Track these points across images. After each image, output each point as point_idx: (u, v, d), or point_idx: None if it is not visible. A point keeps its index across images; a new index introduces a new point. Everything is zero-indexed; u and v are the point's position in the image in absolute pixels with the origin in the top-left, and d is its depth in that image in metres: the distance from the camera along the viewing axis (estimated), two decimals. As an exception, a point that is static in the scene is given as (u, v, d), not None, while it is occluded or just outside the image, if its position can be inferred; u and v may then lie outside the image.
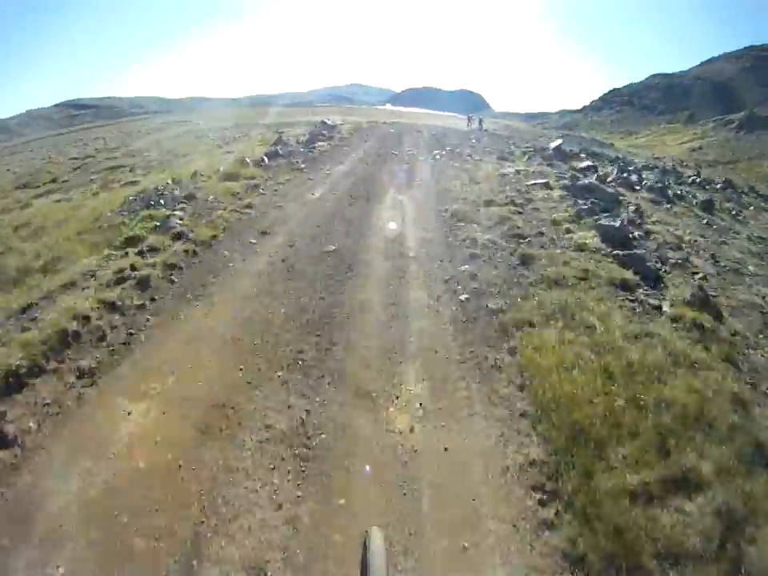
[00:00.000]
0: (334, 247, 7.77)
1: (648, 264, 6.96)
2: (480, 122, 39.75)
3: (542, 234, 8.32)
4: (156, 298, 5.98)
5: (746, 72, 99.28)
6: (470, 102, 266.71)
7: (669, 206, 13.30)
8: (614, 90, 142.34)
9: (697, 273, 7.49)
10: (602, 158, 24.48)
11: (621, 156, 27.64)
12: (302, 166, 14.22)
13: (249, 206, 9.84)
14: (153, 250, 7.22)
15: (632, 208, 10.75)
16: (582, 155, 20.81)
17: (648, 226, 9.71)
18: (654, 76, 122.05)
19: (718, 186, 21.92)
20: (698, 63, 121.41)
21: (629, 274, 6.65)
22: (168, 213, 8.51)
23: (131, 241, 7.57)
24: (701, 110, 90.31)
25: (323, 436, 3.90)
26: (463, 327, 5.58)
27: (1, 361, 4.31)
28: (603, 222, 8.31)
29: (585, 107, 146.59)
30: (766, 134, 60.96)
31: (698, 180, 22.01)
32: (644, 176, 17.93)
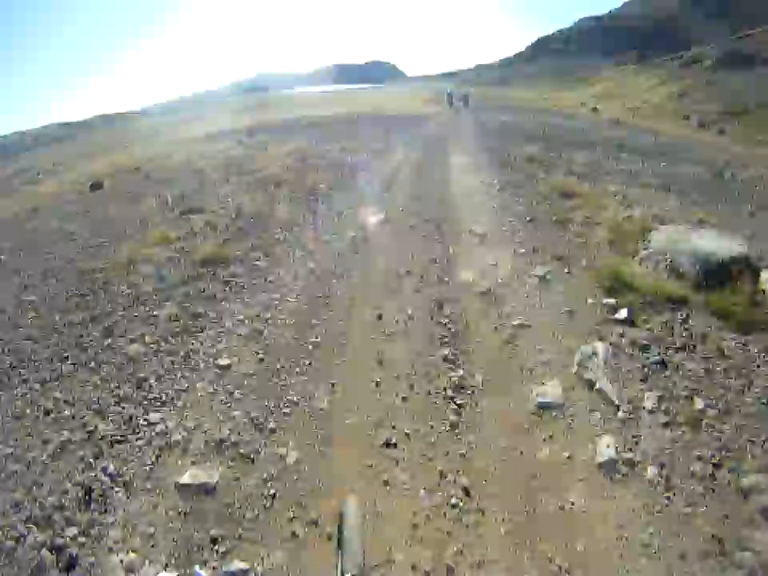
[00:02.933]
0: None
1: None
2: (466, 99, 27.97)
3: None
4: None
5: (690, 5, 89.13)
6: (383, 72, 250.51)
7: None
8: (544, 37, 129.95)
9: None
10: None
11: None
12: None
13: None
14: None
15: None
16: None
17: None
18: (584, 19, 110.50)
19: None
20: (625, 2, 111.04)
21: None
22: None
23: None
24: (649, 49, 79.08)
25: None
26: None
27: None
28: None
29: (514, 57, 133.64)
30: (751, 73, 49.39)
31: None
32: None
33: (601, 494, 2.62)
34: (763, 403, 3.10)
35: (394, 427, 3.18)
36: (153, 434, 3.20)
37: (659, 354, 3.61)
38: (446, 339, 4.05)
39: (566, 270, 5.01)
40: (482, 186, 8.57)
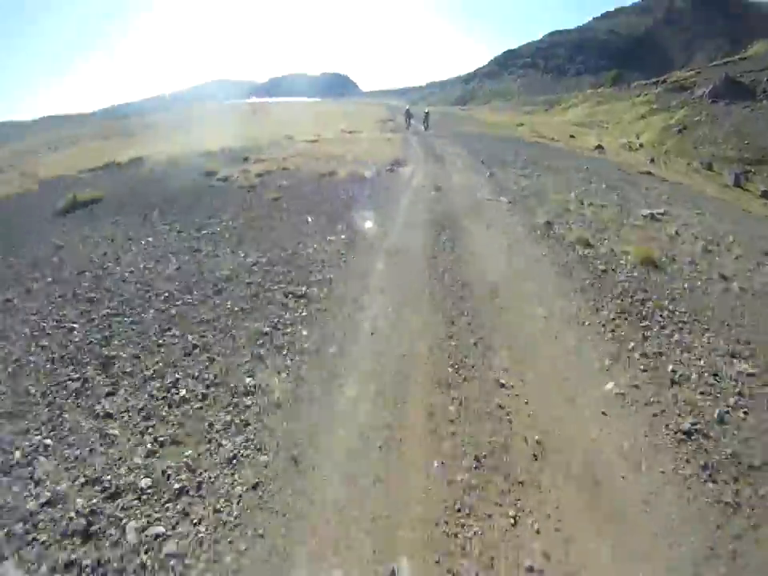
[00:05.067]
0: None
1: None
2: (426, 117, 25.92)
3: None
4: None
5: (664, 25, 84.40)
6: (337, 85, 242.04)
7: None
8: (510, 51, 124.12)
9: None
10: None
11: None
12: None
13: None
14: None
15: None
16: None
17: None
18: (554, 33, 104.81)
19: None
20: (597, 16, 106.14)
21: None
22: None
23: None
24: (625, 69, 73.29)
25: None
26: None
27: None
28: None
29: (475, 73, 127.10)
30: (754, 106, 42.78)
31: None
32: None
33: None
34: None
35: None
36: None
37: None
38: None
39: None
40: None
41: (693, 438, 3.23)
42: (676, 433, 3.28)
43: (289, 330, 4.44)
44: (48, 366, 3.93)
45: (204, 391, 3.60)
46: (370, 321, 4.59)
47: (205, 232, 7.15)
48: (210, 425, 3.29)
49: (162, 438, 3.15)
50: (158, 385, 3.67)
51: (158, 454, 3.02)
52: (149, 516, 2.60)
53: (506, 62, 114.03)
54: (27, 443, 3.11)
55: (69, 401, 3.51)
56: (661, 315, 4.77)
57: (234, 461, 2.98)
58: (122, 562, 2.36)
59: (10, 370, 3.91)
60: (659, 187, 12.57)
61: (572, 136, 30.14)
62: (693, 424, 3.34)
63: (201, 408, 3.45)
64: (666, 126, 38.82)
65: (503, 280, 5.44)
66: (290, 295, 5.08)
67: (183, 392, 3.60)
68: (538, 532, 2.57)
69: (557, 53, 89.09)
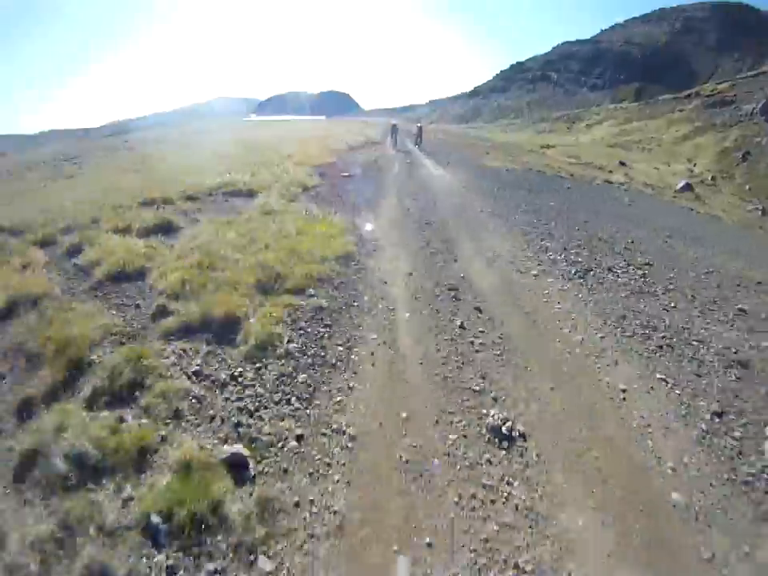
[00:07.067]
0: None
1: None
2: (419, 133, 22.44)
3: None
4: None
5: (681, 35, 78.04)
6: (338, 103, 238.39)
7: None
8: (517, 64, 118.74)
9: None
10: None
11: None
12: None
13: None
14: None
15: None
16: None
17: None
18: (565, 44, 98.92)
19: None
20: (608, 27, 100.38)
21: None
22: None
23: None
24: (646, 82, 66.89)
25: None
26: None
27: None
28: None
29: (480, 88, 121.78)
30: None
31: None
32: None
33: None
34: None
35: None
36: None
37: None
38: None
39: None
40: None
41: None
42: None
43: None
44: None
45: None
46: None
47: None
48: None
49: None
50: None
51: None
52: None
53: (514, 75, 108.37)
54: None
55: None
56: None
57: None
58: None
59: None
60: None
61: (622, 163, 23.51)
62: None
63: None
64: (723, 149, 32.18)
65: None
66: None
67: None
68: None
69: (569, 66, 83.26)
